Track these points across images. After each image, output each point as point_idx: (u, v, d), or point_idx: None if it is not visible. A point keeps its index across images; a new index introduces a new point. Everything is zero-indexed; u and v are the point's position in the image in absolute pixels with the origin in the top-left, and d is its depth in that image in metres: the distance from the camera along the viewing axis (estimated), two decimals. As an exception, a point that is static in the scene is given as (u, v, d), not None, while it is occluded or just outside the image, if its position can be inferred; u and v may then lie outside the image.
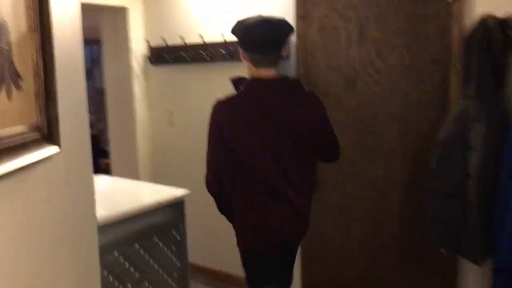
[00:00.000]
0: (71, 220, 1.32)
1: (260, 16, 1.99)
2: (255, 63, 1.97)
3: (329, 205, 2.88)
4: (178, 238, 2.32)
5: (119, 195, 2.46)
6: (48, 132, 1.09)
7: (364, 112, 2.69)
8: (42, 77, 1.08)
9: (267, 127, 1.91)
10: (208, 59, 3.19)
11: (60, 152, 1.15)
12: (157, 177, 3.74)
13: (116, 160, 3.92)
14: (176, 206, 2.33)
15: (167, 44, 3.41)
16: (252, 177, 1.93)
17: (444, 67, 2.42)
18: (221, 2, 3.20)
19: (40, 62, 1.07)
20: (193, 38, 3.28)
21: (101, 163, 5.80)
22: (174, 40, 3.39)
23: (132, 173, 3.73)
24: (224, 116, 1.92)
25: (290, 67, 2.92)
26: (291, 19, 2.87)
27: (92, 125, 7.57)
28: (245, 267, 2.09)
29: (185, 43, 3.31)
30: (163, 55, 3.46)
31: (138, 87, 3.65)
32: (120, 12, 3.56)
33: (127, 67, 3.61)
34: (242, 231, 2.01)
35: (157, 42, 3.51)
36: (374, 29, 2.60)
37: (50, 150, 1.09)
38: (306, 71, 2.86)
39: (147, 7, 3.60)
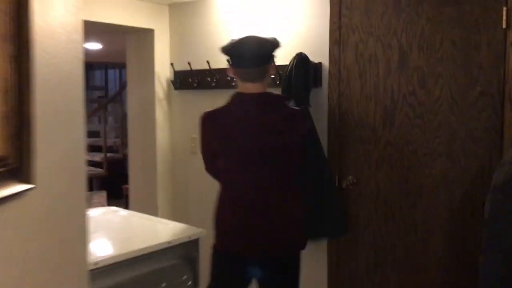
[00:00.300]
0: (52, 269, 1.09)
1: (251, 35, 2.06)
2: (241, 77, 2.01)
3: (361, 246, 2.58)
4: (190, 283, 2.05)
5: (123, 232, 2.23)
6: (17, 165, 0.88)
7: (403, 148, 2.41)
8: (16, 95, 0.88)
9: (247, 140, 1.99)
10: (234, 84, 2.99)
11: (35, 188, 0.94)
12: (176, 208, 3.52)
13: (135, 187, 3.72)
14: (188, 248, 2.07)
15: (191, 68, 3.23)
16: (230, 187, 2.05)
17: (497, 100, 2.14)
18: (250, 28, 3.01)
19: (13, 78, 0.87)
20: (219, 63, 3.08)
21: (124, 189, 5.64)
22: (199, 64, 3.21)
23: (151, 202, 3.52)
24: (209, 128, 2.05)
25: (322, 95, 2.68)
26: (326, 44, 2.65)
27: (117, 149, 7.51)
28: (212, 270, 2.09)
29: (210, 67, 3.13)
30: (187, 80, 3.29)
31: (160, 112, 3.47)
32: (145, 34, 3.43)
33: (151, 91, 3.45)
34: (218, 232, 2.07)
35: (181, 66, 3.34)
36: (417, 57, 2.35)
37: (18, 187, 0.87)
38: (339, 100, 2.62)
39: (173, 29, 3.46)
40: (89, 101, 8.33)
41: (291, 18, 2.80)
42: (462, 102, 2.23)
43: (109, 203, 7.27)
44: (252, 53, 1.98)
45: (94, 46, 4.98)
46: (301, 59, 2.52)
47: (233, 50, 2.00)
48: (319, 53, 2.68)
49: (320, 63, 2.68)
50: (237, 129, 2.00)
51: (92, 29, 3.67)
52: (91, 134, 8.14)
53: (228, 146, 2.02)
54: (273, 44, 2.03)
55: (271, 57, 2.03)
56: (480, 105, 2.19)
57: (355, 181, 2.59)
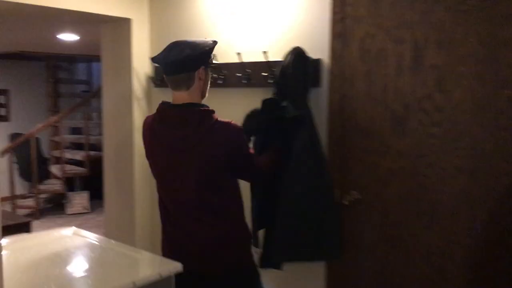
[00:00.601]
0: None
1: (181, 40, 1.96)
2: (169, 85, 1.94)
3: (364, 274, 2.24)
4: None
5: (74, 267, 1.79)
6: None
7: (416, 161, 2.06)
8: None
9: (163, 156, 1.93)
10: (220, 82, 2.62)
11: None
12: (155, 217, 3.16)
13: (110, 194, 3.35)
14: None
15: (174, 64, 2.86)
16: (160, 200, 2.04)
17: (532, 107, 1.79)
18: (239, 19, 2.63)
19: None
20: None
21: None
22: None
23: (127, 209, 3.16)
24: (143, 135, 2.02)
25: (321, 97, 2.32)
26: (325, 37, 2.29)
27: (101, 147, 7.11)
28: None
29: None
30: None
31: (139, 113, 3.10)
32: (121, 24, 3.04)
33: (127, 88, 3.07)
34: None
35: (163, 61, 2.96)
36: (434, 54, 1.99)
37: None
38: (341, 103, 2.26)
39: (154, 19, 3.07)
40: (72, 95, 7.90)
41: (285, 8, 2.43)
42: (488, 108, 1.88)
43: (92, 204, 6.90)
44: (167, 60, 1.88)
45: (70, 37, 4.58)
46: (298, 54, 2.16)
47: (156, 57, 1.92)
48: (318, 48, 2.32)
49: (319, 60, 2.31)
50: (156, 143, 1.95)
51: (64, 18, 3.28)
52: (73, 130, 7.73)
53: (152, 160, 2.01)
54: (196, 47, 1.87)
55: (195, 63, 1.87)
56: (509, 112, 1.84)
57: (359, 197, 2.24)
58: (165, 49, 1.90)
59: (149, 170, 2.05)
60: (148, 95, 3.12)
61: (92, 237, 2.05)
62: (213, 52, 1.96)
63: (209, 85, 1.99)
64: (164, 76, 1.95)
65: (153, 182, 2.06)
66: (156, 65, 2.01)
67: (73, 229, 2.12)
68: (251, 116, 2.20)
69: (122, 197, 3.21)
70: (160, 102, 1.95)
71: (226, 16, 2.70)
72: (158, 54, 1.92)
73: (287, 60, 2.15)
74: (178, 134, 1.87)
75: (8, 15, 3.22)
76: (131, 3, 2.99)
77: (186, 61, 1.85)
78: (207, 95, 2.01)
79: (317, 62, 2.31)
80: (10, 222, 4.35)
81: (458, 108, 1.95)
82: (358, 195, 2.24)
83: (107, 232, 3.44)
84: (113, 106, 3.21)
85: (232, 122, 1.92)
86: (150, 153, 2.00)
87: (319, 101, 2.32)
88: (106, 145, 3.34)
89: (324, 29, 2.29)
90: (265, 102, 2.16)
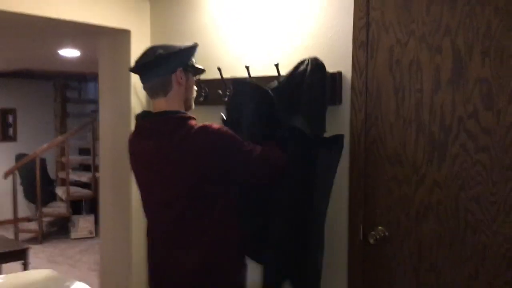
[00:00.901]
0: None
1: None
2: (147, 95, 1.80)
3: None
4: None
5: None
6: None
7: (458, 193, 1.70)
8: None
9: (140, 172, 1.77)
10: (225, 99, 2.30)
11: None
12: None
13: (105, 224, 3.03)
14: None
15: (175, 79, 2.56)
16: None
17: None
18: (248, 33, 2.33)
19: None
20: (208, 74, 2.37)
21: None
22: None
23: (123, 241, 2.83)
24: (128, 149, 1.83)
25: (341, 116, 1.99)
26: (347, 47, 1.97)
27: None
28: None
29: (199, 78, 2.44)
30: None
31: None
32: (119, 36, 2.76)
33: (126, 106, 2.77)
34: None
35: (164, 76, 2.66)
36: (479, 65, 1.65)
37: None
38: (365, 124, 1.92)
39: (155, 30, 2.79)
40: (80, 115, 7.69)
41: (300, 13, 2.12)
42: (550, 131, 1.53)
43: (98, 228, 6.59)
44: (138, 63, 1.72)
45: (71, 53, 4.35)
46: (316, 65, 1.83)
47: (134, 66, 1.75)
48: (339, 60, 1.99)
49: (339, 73, 1.98)
50: (133, 158, 1.79)
51: (59, 29, 3.03)
52: (82, 151, 7.49)
53: (135, 178, 1.83)
54: (169, 47, 1.70)
55: (169, 64, 1.67)
56: None
57: (386, 234, 1.88)
58: (139, 56, 1.75)
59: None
60: (147, 113, 2.81)
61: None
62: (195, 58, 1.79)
63: (194, 93, 1.80)
64: (142, 85, 1.76)
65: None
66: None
67: (46, 272, 1.79)
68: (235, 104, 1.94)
69: (118, 223, 2.89)
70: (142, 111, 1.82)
71: (232, 27, 2.40)
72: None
73: (301, 69, 1.82)
74: (152, 146, 1.67)
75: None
76: (130, 13, 2.71)
77: (158, 62, 1.66)
78: (193, 105, 1.78)
79: (336, 76, 1.98)
80: (6, 249, 4.06)
81: (511, 131, 1.59)
82: (385, 232, 1.88)
83: (102, 257, 3.11)
84: (110, 125, 2.92)
85: (209, 124, 1.65)
86: (132, 170, 1.83)
87: (339, 122, 1.99)
88: (102, 167, 3.04)
89: (345, 37, 1.97)
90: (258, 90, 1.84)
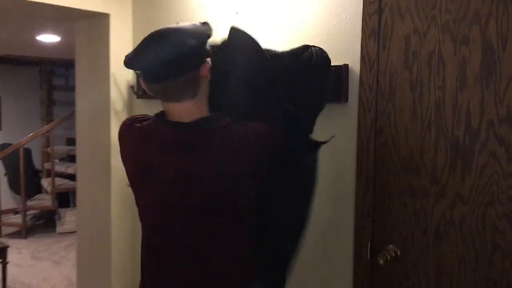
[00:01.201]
0: None
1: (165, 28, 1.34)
2: (160, 97, 1.35)
3: None
4: None
5: None
6: None
7: (486, 209, 1.45)
8: None
9: (160, 185, 1.34)
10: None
11: None
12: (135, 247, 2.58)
13: (83, 226, 2.77)
14: None
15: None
16: (145, 234, 1.47)
17: None
18: (244, 20, 2.05)
19: None
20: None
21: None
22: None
23: (102, 251, 2.58)
24: (124, 141, 1.45)
25: (348, 115, 1.72)
26: (355, 36, 1.70)
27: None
28: None
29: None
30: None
31: (117, 129, 2.52)
32: (98, 21, 2.48)
33: (104, 99, 2.50)
34: None
35: (147, 66, 2.39)
36: (515, 58, 1.39)
37: None
38: (376, 125, 1.66)
39: (137, 15, 2.50)
40: (68, 103, 7.37)
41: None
42: None
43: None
44: (156, 60, 1.27)
45: (50, 38, 4.05)
46: (322, 58, 1.53)
47: (132, 59, 1.32)
48: (345, 51, 1.73)
49: (345, 66, 1.72)
50: (145, 172, 1.36)
51: (35, 12, 2.73)
52: (70, 141, 7.18)
53: (143, 179, 1.39)
54: (198, 34, 1.31)
55: (200, 56, 1.32)
56: None
57: (398, 253, 1.63)
58: (143, 46, 1.31)
59: (129, 196, 1.47)
60: (129, 107, 2.54)
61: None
62: None
63: None
64: (147, 85, 1.34)
65: (132, 211, 1.48)
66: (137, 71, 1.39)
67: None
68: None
69: (96, 232, 2.64)
70: (156, 115, 1.39)
71: (221, 12, 2.12)
72: (133, 55, 1.32)
73: (305, 55, 1.51)
74: (186, 163, 1.30)
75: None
76: (110, -6, 2.43)
77: (191, 57, 1.29)
78: None
79: (342, 69, 1.71)
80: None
81: (552, 138, 1.34)
82: (398, 251, 1.63)
83: (79, 256, 2.87)
84: (87, 120, 2.64)
85: (245, 125, 1.34)
86: (132, 176, 1.44)
87: (345, 122, 1.73)
88: (79, 167, 2.76)
89: (353, 24, 1.70)
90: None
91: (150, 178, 1.37)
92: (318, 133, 1.63)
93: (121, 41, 2.48)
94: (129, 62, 1.34)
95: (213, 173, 1.30)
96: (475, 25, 1.45)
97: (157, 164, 1.34)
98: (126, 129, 1.44)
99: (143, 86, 1.37)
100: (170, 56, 1.26)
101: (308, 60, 1.45)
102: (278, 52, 1.50)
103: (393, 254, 1.63)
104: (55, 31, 3.82)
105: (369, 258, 1.67)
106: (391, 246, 1.64)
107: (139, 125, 1.40)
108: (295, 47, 1.49)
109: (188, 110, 1.32)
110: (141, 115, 1.49)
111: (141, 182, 1.42)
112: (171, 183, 1.33)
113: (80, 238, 2.80)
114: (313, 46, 1.49)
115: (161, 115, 1.38)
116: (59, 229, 6.17)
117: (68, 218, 6.26)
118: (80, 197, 2.77)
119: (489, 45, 1.42)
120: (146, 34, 1.35)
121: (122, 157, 1.47)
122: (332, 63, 1.60)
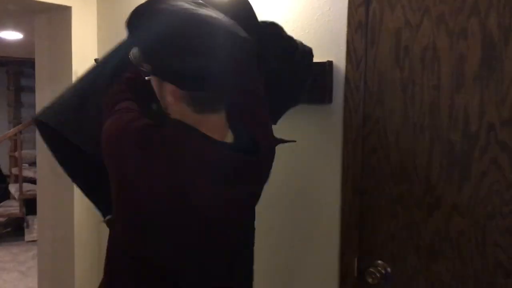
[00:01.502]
0: None
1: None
2: (197, 106, 1.00)
3: None
4: None
5: None
6: None
7: (485, 222, 1.30)
8: None
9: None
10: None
11: None
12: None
13: (44, 236, 2.56)
14: None
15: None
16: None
17: None
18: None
19: None
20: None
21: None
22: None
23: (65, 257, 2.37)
24: (157, 159, 0.99)
25: (332, 118, 1.56)
26: (340, 30, 1.54)
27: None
28: None
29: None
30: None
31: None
32: (58, 14, 2.27)
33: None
34: None
35: (113, 63, 2.19)
36: (519, 54, 1.24)
37: None
38: (364, 129, 1.50)
39: (102, 7, 2.30)
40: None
41: (282, -13, 1.68)
42: None
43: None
44: (238, 53, 1.00)
45: (12, 35, 3.80)
46: (305, 53, 1.37)
47: (179, 57, 0.96)
48: (329, 46, 1.56)
49: (329, 63, 1.55)
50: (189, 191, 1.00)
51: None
52: (40, 144, 6.92)
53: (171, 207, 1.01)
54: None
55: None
56: None
57: (388, 270, 1.47)
58: (188, 29, 1.05)
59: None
60: (93, 109, 2.33)
61: None
62: None
63: None
64: (180, 91, 0.99)
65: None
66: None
67: None
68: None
69: (58, 227, 2.44)
70: (191, 128, 1.02)
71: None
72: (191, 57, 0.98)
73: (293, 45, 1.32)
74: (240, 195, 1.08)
75: None
76: (72, -15, 2.22)
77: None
78: None
79: (325, 67, 1.55)
80: None
81: (562, 143, 1.20)
82: (388, 268, 1.47)
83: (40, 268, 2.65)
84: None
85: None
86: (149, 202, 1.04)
87: (328, 125, 1.56)
88: (39, 165, 2.56)
89: (337, 17, 1.54)
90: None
91: (184, 208, 1.03)
92: (297, 137, 1.47)
93: (84, 36, 2.27)
94: (152, 50, 1.04)
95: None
96: (473, 17, 1.30)
97: (202, 193, 1.02)
98: (142, 138, 1.01)
99: (168, 94, 1.01)
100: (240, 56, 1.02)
101: (292, 53, 1.28)
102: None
103: (383, 272, 1.47)
104: (16, 27, 3.58)
105: (356, 276, 1.51)
106: (380, 262, 1.48)
107: (159, 135, 1.01)
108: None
109: (221, 123, 1.05)
110: (134, 109, 1.10)
111: (166, 213, 1.04)
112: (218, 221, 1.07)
113: (41, 249, 2.59)
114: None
115: (179, 122, 1.03)
116: (27, 237, 5.89)
117: (37, 226, 5.98)
118: (40, 198, 2.57)
119: (489, 39, 1.28)
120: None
121: (127, 174, 1.03)
122: (315, 60, 1.46)
